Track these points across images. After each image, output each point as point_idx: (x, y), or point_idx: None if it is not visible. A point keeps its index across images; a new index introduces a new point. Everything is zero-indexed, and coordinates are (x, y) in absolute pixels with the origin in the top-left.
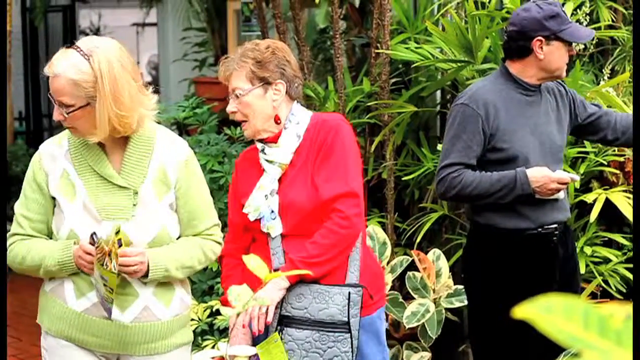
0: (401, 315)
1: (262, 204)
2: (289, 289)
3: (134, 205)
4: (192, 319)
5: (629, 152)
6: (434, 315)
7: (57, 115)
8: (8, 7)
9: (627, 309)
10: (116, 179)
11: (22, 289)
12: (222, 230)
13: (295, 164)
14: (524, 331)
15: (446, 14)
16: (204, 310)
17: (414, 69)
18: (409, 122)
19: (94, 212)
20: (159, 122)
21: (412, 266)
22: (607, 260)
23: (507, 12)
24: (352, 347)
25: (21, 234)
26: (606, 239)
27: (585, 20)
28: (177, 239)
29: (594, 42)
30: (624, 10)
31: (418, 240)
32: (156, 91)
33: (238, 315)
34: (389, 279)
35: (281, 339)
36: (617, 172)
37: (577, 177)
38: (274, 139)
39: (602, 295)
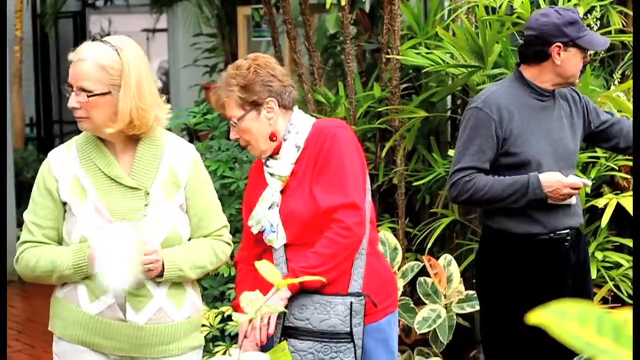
0: (412, 320)
1: (263, 217)
2: (291, 300)
3: (146, 205)
4: (204, 325)
5: None
6: (445, 320)
7: (72, 102)
8: (19, 14)
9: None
10: (127, 180)
11: (34, 296)
12: (233, 235)
13: (296, 173)
14: (537, 336)
15: (456, 19)
16: (216, 316)
17: (424, 74)
18: (419, 128)
19: (106, 214)
20: (169, 129)
21: (423, 271)
22: (618, 265)
23: (518, 17)
24: (355, 356)
25: (32, 241)
26: (617, 243)
27: (596, 24)
28: (187, 240)
29: None
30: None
31: (429, 245)
32: (167, 100)
33: (250, 321)
34: (400, 284)
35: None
36: (628, 176)
37: (589, 183)
38: (275, 151)
39: (614, 300)
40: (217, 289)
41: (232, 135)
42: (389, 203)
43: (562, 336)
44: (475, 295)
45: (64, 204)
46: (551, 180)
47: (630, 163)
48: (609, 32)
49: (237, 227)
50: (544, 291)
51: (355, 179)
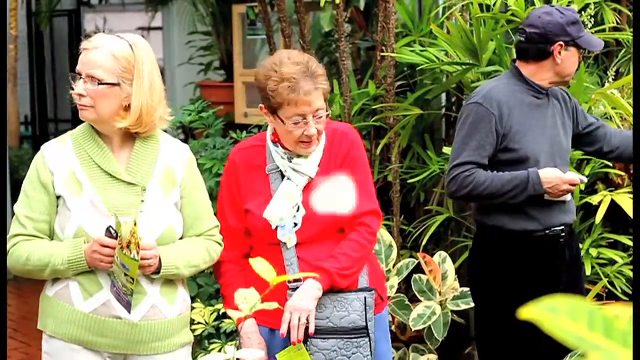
0: (407, 317)
1: (287, 214)
2: None
3: (142, 201)
4: (199, 322)
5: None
6: (440, 317)
7: (80, 89)
8: (13, 12)
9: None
10: (124, 175)
11: (29, 294)
12: None
13: (318, 174)
14: (531, 333)
15: (451, 16)
16: (211, 314)
17: (419, 72)
18: (414, 125)
19: (102, 208)
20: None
21: (418, 269)
22: (612, 262)
23: (512, 15)
24: (370, 350)
25: (24, 235)
26: (611, 240)
27: (590, 22)
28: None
29: None
30: (628, 12)
31: (424, 242)
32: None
33: (245, 318)
34: (395, 281)
35: (307, 350)
36: (622, 173)
37: (585, 179)
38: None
39: (608, 296)
40: (212, 286)
41: (313, 130)
42: (383, 200)
43: (553, 331)
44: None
45: (58, 197)
46: (550, 176)
47: None
48: (603, 30)
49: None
50: (538, 288)
51: (373, 185)
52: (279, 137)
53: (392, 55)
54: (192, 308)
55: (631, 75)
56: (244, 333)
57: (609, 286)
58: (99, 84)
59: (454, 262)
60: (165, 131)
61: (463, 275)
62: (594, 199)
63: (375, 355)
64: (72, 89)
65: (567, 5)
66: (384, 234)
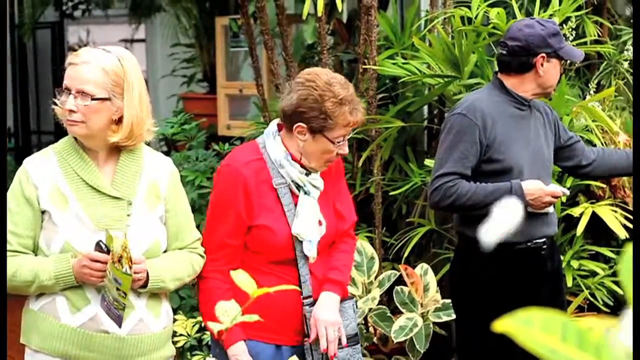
0: (389, 329)
1: (313, 230)
2: None
3: (128, 215)
4: (181, 335)
5: None
6: (421, 329)
7: (71, 105)
8: None
9: (605, 322)
10: (109, 190)
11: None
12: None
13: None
14: (512, 345)
15: (433, 29)
16: (193, 326)
17: (401, 84)
18: (396, 137)
19: (89, 223)
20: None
21: (399, 281)
22: (594, 274)
23: (494, 28)
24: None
25: (9, 250)
26: (593, 252)
27: (571, 35)
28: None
29: None
30: (609, 25)
31: (406, 254)
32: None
33: (229, 339)
34: (376, 293)
35: None
36: (604, 186)
37: (568, 192)
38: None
39: (589, 308)
40: (194, 298)
41: (347, 149)
42: (365, 212)
43: (527, 344)
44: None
45: (43, 212)
46: (533, 188)
47: None
48: (585, 43)
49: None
50: (519, 300)
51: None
52: (302, 154)
53: (374, 68)
54: (174, 320)
55: (612, 88)
56: (232, 355)
57: (590, 298)
58: (91, 99)
59: (435, 274)
60: (148, 144)
61: (445, 287)
62: (575, 211)
63: None
64: (56, 104)
65: (549, 18)
66: (366, 246)
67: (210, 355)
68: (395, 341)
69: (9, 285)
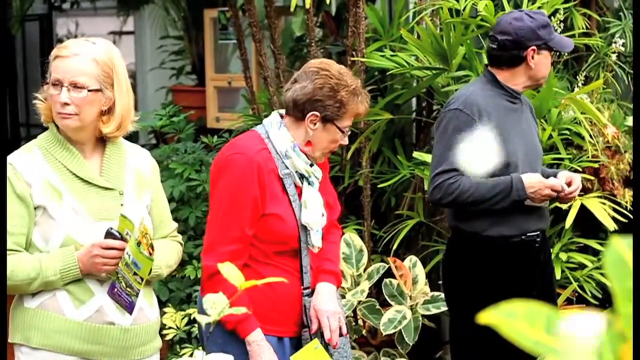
0: (378, 322)
1: (317, 222)
2: None
3: (122, 205)
4: (170, 327)
5: (603, 158)
6: (410, 322)
7: (65, 98)
8: None
9: (590, 314)
10: (100, 181)
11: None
12: (199, 238)
13: None
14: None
15: (421, 21)
16: (182, 319)
17: (389, 77)
18: (384, 130)
19: (86, 215)
20: (136, 132)
21: (388, 273)
22: (582, 266)
23: (482, 20)
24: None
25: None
26: (581, 244)
27: (560, 27)
28: None
29: None
30: (597, 17)
31: (395, 247)
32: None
33: (248, 327)
34: (365, 285)
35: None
36: (592, 178)
37: (567, 187)
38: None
39: (578, 300)
40: (183, 291)
41: (347, 140)
42: (354, 205)
43: (511, 336)
44: (441, 296)
45: (36, 208)
46: (534, 181)
47: (595, 165)
48: (573, 35)
49: (204, 230)
50: (514, 292)
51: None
52: (310, 144)
53: (363, 60)
54: (164, 313)
55: (600, 80)
56: (253, 341)
57: (579, 290)
58: (88, 90)
59: (424, 267)
60: (136, 136)
61: (434, 280)
62: (563, 204)
63: None
64: (38, 98)
65: (537, 10)
66: (354, 239)
67: (203, 347)
68: (384, 334)
69: (8, 285)
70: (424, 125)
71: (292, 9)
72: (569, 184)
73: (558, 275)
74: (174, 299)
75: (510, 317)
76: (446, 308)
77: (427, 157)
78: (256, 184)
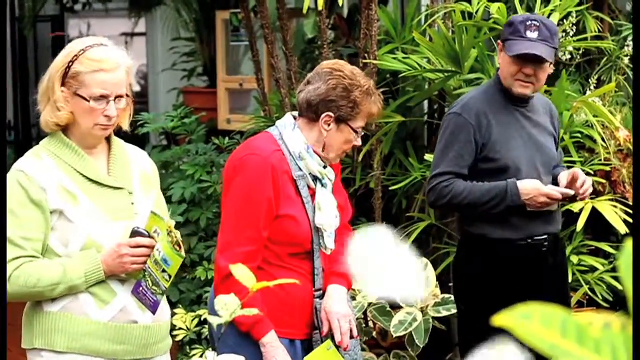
0: (389, 324)
1: (333, 221)
2: None
3: (132, 204)
4: (181, 328)
5: (615, 162)
6: (421, 324)
7: (113, 112)
8: None
9: (605, 317)
10: (110, 181)
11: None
12: (210, 239)
13: None
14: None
15: (433, 24)
16: (193, 320)
17: (401, 79)
18: (396, 132)
19: (103, 215)
20: (147, 133)
21: None
22: (593, 269)
23: (495, 23)
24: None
25: (25, 256)
26: (593, 248)
27: (572, 30)
28: None
29: (580, 52)
30: (610, 21)
31: None
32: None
33: (262, 329)
34: None
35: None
36: (604, 181)
37: (572, 192)
38: None
39: (589, 304)
40: (194, 292)
41: (360, 141)
42: (365, 207)
43: (526, 339)
44: (452, 299)
45: (52, 213)
46: (529, 188)
47: (607, 168)
48: (585, 39)
49: (214, 231)
50: (521, 295)
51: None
52: (323, 146)
53: (375, 63)
54: (174, 314)
55: (612, 83)
56: (267, 343)
57: (590, 293)
58: (125, 100)
59: (435, 269)
60: (147, 138)
61: (445, 282)
62: (575, 207)
63: None
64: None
65: (549, 14)
66: None
67: (214, 348)
68: (394, 336)
69: (31, 293)
70: (435, 127)
71: (304, 11)
72: (572, 181)
73: (569, 278)
74: (184, 300)
75: (525, 320)
76: (456, 311)
77: None
78: (270, 185)
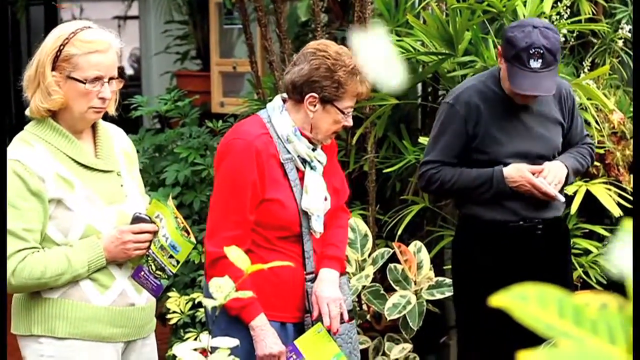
0: (382, 307)
1: (321, 205)
2: None
3: (122, 186)
4: (174, 312)
5: (609, 144)
6: (415, 307)
7: (108, 93)
8: None
9: (602, 298)
10: (100, 164)
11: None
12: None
13: None
14: (510, 321)
15: (427, 6)
16: (186, 303)
17: None
18: (390, 115)
19: (98, 201)
20: (140, 116)
21: (393, 258)
22: (587, 252)
23: (488, 5)
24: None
25: (28, 248)
26: (587, 230)
27: (566, 13)
28: None
29: (574, 34)
30: (604, 3)
31: (399, 232)
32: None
33: (251, 312)
34: (370, 270)
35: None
36: (598, 164)
37: (562, 198)
38: None
39: (583, 286)
40: (187, 275)
41: (351, 122)
42: (359, 190)
43: (523, 319)
44: (446, 281)
45: (50, 201)
46: (514, 174)
47: (601, 151)
48: (579, 21)
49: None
50: (514, 276)
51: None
52: (311, 127)
53: None
54: (167, 297)
55: (606, 66)
56: (257, 326)
57: (583, 276)
58: (115, 80)
59: (429, 252)
60: (141, 121)
61: (438, 265)
62: (569, 189)
63: None
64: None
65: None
66: (359, 224)
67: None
68: (388, 318)
69: (37, 284)
70: (429, 110)
71: None
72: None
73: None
74: (178, 283)
75: (522, 300)
76: (451, 293)
77: None
78: (254, 169)
